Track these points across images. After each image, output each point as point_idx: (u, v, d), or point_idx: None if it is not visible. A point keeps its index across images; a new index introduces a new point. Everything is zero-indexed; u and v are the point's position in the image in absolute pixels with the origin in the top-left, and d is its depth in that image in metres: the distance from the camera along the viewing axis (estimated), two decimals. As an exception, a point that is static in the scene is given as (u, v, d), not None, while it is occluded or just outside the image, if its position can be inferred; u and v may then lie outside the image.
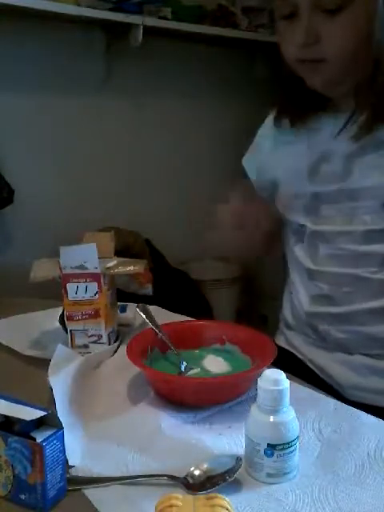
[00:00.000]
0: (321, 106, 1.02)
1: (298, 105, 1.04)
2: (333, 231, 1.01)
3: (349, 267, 0.99)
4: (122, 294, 1.08)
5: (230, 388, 0.84)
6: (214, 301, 2.31)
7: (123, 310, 1.15)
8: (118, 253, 1.07)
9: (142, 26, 2.02)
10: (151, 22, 2.06)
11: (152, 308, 1.20)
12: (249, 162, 1.21)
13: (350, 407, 0.84)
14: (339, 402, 0.86)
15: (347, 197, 0.98)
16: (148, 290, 1.08)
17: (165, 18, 2.12)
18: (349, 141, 0.96)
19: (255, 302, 2.69)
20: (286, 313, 1.16)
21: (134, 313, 1.16)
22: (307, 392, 0.88)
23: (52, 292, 1.11)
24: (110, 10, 1.96)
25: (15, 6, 1.70)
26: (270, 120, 1.14)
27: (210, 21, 2.30)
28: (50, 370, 0.89)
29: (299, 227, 1.07)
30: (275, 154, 1.11)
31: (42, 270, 1.01)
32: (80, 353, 0.98)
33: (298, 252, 1.08)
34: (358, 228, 0.97)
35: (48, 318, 1.14)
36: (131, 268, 1.01)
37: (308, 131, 1.04)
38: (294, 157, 1.06)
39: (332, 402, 0.86)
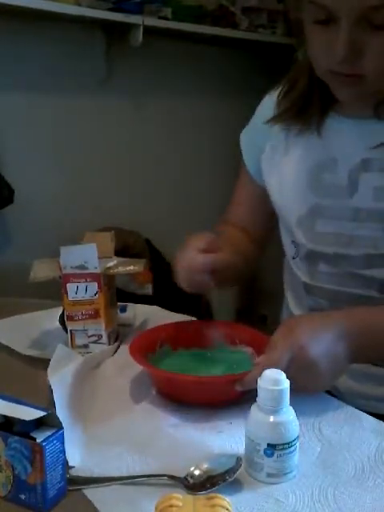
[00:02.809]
0: (326, 108, 0.96)
1: (305, 106, 0.97)
2: (331, 253, 0.96)
3: (349, 287, 0.96)
4: (122, 294, 1.08)
5: (232, 388, 0.84)
6: (213, 301, 2.31)
7: (123, 310, 1.15)
8: (118, 253, 1.07)
9: (142, 26, 2.02)
10: (151, 21, 2.05)
11: (152, 308, 1.21)
12: (245, 143, 1.13)
13: (351, 408, 0.84)
14: (340, 403, 0.86)
15: (348, 216, 0.93)
16: (148, 289, 1.08)
17: (165, 17, 2.12)
18: (357, 151, 0.91)
19: (255, 302, 2.69)
20: (285, 316, 1.15)
21: (134, 313, 1.16)
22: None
23: (52, 292, 1.11)
24: (110, 9, 1.96)
25: (15, 5, 1.70)
26: (267, 103, 1.07)
27: (210, 21, 2.29)
28: (49, 370, 0.89)
29: (295, 242, 1.02)
30: (272, 152, 1.04)
31: (42, 270, 1.01)
32: (80, 353, 0.98)
33: (294, 265, 1.04)
34: (357, 252, 0.93)
35: (48, 318, 1.13)
36: (131, 268, 1.01)
37: (308, 133, 0.98)
38: (294, 159, 1.00)
39: (332, 403, 0.86)
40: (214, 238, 0.98)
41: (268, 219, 1.10)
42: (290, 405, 0.69)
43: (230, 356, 0.95)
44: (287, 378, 0.70)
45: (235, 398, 0.83)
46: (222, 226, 1.16)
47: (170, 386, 0.88)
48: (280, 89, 1.02)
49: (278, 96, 1.01)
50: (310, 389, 0.81)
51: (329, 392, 0.95)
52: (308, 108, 0.97)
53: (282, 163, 1.02)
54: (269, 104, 1.05)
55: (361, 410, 0.86)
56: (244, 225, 1.15)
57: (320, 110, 0.96)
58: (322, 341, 0.79)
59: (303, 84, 0.96)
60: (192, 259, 0.94)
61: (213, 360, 0.95)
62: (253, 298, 2.67)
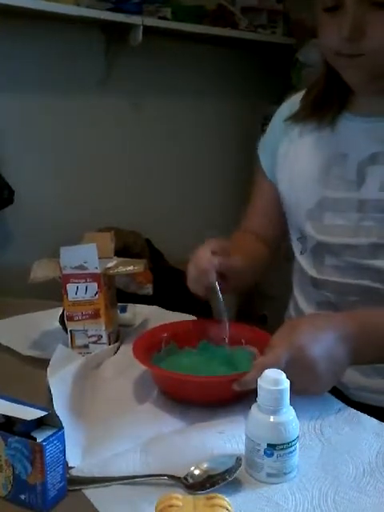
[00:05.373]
0: (341, 107, 1.00)
1: (321, 105, 1.00)
2: (338, 244, 0.98)
3: (355, 278, 0.97)
4: (122, 294, 1.08)
5: (229, 388, 0.83)
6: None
7: (123, 310, 1.15)
8: (118, 253, 1.07)
9: (141, 26, 2.02)
10: (151, 22, 2.05)
11: (152, 308, 1.21)
12: (262, 148, 1.16)
13: (353, 409, 0.84)
14: (342, 404, 0.85)
15: (355, 207, 0.95)
16: (148, 290, 1.08)
17: (164, 17, 2.12)
18: (367, 146, 0.94)
19: (255, 302, 2.69)
20: (292, 313, 1.15)
21: (134, 313, 1.16)
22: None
23: (52, 292, 1.11)
24: (110, 10, 1.96)
25: (15, 6, 1.70)
26: (284, 108, 1.10)
27: (209, 21, 2.30)
28: (49, 370, 0.89)
29: (302, 237, 1.05)
30: (286, 149, 1.07)
31: (42, 271, 1.01)
32: (80, 353, 0.98)
33: (302, 261, 1.06)
34: (363, 241, 0.95)
35: (48, 319, 1.13)
36: (131, 268, 1.01)
37: (321, 130, 1.01)
38: (306, 154, 1.03)
39: (334, 404, 0.85)
40: (226, 244, 1.00)
41: (284, 224, 1.12)
42: (291, 405, 0.69)
43: (235, 356, 0.94)
44: (286, 378, 0.70)
45: (238, 398, 0.83)
46: (237, 234, 1.18)
47: (172, 385, 0.88)
48: (305, 91, 1.06)
49: (301, 99, 1.05)
50: (309, 390, 0.81)
51: (335, 387, 0.95)
52: (324, 107, 1.00)
53: (294, 157, 1.05)
54: (285, 110, 1.09)
55: (365, 404, 0.86)
56: (261, 232, 1.17)
57: (336, 109, 1.00)
58: (322, 342, 0.79)
59: (321, 84, 1.00)
60: (202, 258, 0.95)
61: (218, 359, 0.94)
62: (253, 297, 2.66)
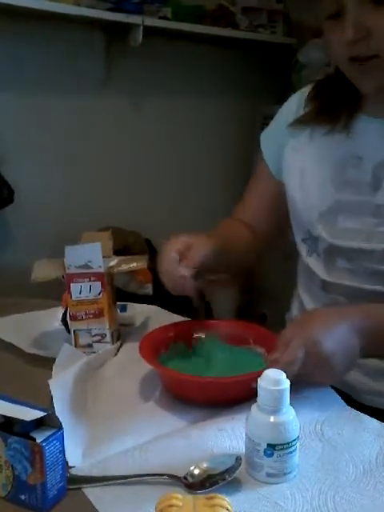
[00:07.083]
0: (354, 109, 0.98)
1: (334, 108, 0.99)
2: (352, 248, 0.96)
3: (367, 283, 0.96)
4: (123, 294, 1.08)
5: (241, 388, 0.83)
6: (213, 300, 2.31)
7: (123, 309, 1.15)
8: (118, 253, 1.07)
9: (141, 26, 2.02)
10: (151, 21, 2.05)
11: (151, 308, 1.21)
12: (266, 140, 1.14)
13: (354, 410, 0.83)
14: (343, 404, 0.85)
15: (371, 212, 0.94)
16: (148, 289, 1.08)
17: (165, 17, 2.12)
18: (382, 150, 0.93)
19: (255, 301, 2.69)
20: (295, 314, 1.13)
21: (134, 312, 1.16)
22: (311, 391, 0.86)
23: (52, 292, 1.11)
24: (110, 9, 1.96)
25: (15, 5, 1.70)
26: (292, 102, 1.08)
27: (210, 21, 2.29)
28: (54, 370, 0.89)
29: (310, 239, 1.03)
30: (294, 151, 1.05)
31: (43, 271, 1.01)
32: (84, 352, 0.98)
33: (312, 263, 1.03)
34: (377, 247, 0.93)
35: (49, 318, 1.13)
36: (134, 265, 1.01)
37: (334, 133, 0.99)
38: (318, 157, 1.01)
39: (335, 404, 0.85)
40: (187, 239, 0.98)
41: (278, 218, 1.11)
42: (291, 405, 0.69)
43: (242, 356, 0.94)
44: (302, 373, 0.70)
45: (246, 398, 0.81)
46: (226, 220, 1.17)
47: (179, 386, 0.87)
48: (310, 89, 1.04)
49: (308, 97, 1.04)
50: (324, 382, 0.83)
51: (339, 390, 0.95)
52: (336, 110, 0.99)
53: (304, 159, 1.03)
54: (293, 103, 1.07)
55: (371, 407, 0.86)
56: (252, 221, 1.15)
57: (349, 112, 0.98)
58: (335, 335, 0.80)
59: (331, 88, 0.99)
60: (170, 264, 0.94)
61: (224, 359, 0.94)
62: (252, 296, 2.67)
